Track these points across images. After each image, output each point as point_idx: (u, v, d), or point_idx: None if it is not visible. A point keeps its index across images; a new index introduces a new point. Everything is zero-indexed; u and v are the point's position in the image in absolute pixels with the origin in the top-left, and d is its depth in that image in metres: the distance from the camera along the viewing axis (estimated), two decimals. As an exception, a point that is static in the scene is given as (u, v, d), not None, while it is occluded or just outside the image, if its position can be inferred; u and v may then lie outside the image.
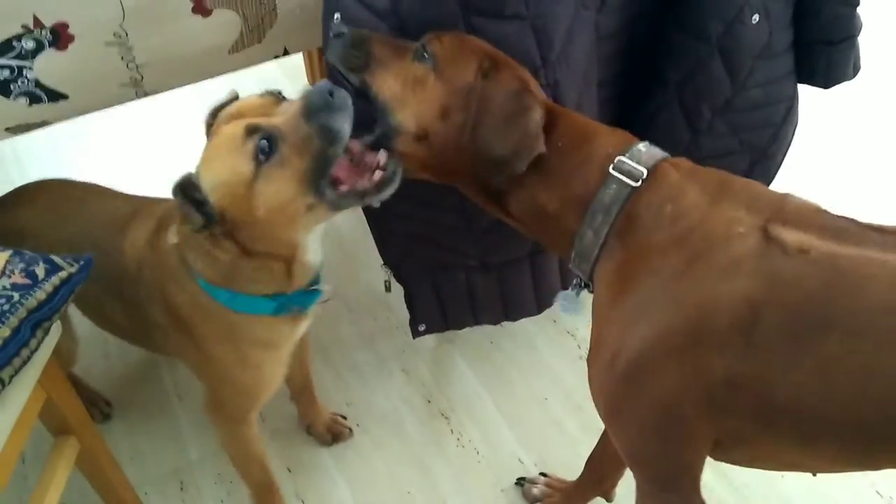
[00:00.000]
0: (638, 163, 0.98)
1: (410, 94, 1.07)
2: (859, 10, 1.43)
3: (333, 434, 1.66)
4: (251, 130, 1.00)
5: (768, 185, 1.64)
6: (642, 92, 1.53)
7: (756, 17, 1.36)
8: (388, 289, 1.54)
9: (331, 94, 1.02)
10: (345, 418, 1.70)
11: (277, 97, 1.10)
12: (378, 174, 1.06)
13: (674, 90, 1.47)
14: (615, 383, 0.97)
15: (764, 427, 0.92)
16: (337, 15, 1.22)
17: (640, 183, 0.97)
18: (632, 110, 1.56)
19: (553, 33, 1.23)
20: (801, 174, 2.19)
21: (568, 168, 1.03)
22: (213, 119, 1.11)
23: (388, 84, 1.08)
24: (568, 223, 1.03)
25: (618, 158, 0.99)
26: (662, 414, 0.95)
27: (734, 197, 0.95)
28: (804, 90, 1.54)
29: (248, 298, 1.15)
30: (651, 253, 0.95)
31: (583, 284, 1.10)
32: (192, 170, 1.04)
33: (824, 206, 0.94)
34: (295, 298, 1.18)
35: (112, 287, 1.28)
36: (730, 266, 0.89)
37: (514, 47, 1.20)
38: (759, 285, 0.87)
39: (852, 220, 0.91)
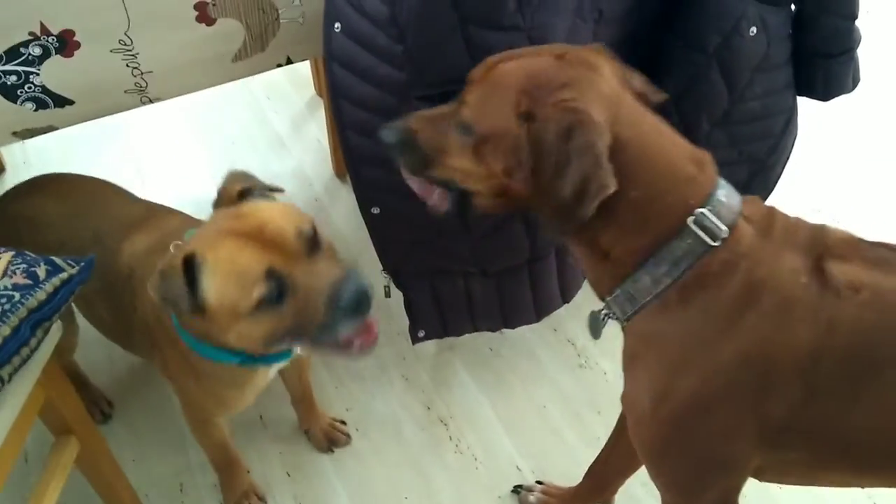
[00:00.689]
0: (719, 217, 0.90)
1: (472, 170, 1.00)
2: (858, 23, 1.44)
3: (330, 440, 1.67)
4: (273, 276, 0.99)
5: (767, 196, 1.64)
6: (641, 103, 1.54)
7: (754, 30, 1.37)
8: (387, 294, 1.56)
9: (360, 302, 1.01)
10: (344, 423, 1.71)
11: (309, 236, 1.04)
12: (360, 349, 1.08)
13: (672, 102, 1.47)
14: (662, 426, 0.97)
15: (816, 460, 0.95)
16: (338, 25, 1.25)
17: (718, 243, 0.90)
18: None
19: (550, 43, 1.24)
20: (800, 186, 2.20)
21: (640, 215, 0.92)
22: (225, 191, 1.11)
23: (449, 173, 1.03)
24: (624, 267, 0.95)
25: (699, 211, 0.90)
26: (712, 453, 0.97)
27: (793, 241, 0.92)
28: (804, 102, 1.55)
29: (211, 349, 1.14)
30: (715, 306, 0.91)
31: (613, 316, 1.04)
32: (198, 253, 1.01)
33: (859, 235, 0.95)
34: (260, 359, 1.19)
35: (104, 284, 1.29)
36: (792, 316, 0.88)
37: (511, 57, 1.23)
38: (819, 332, 0.87)
39: (889, 247, 0.92)
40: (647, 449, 1.02)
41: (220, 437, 1.46)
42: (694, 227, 0.90)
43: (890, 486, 0.99)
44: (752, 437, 0.93)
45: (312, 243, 1.04)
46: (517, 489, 1.56)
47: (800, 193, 2.21)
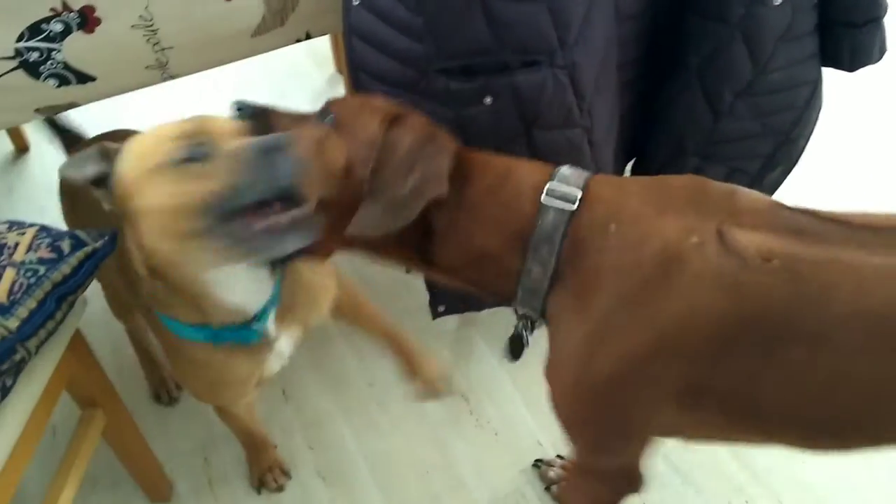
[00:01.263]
0: (567, 185, 0.95)
1: (312, 156, 0.95)
2: (885, -9, 1.41)
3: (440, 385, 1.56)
4: (188, 136, 0.89)
5: (791, 169, 1.63)
6: (663, 75, 1.52)
7: (779, -1, 1.35)
8: (408, 269, 1.56)
9: (267, 153, 0.89)
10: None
11: (245, 121, 0.99)
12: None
13: (694, 73, 1.46)
14: (580, 402, 0.98)
15: (727, 422, 0.95)
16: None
17: (576, 205, 0.93)
18: (652, 93, 1.56)
19: (570, 15, 1.23)
20: (824, 160, 2.17)
21: (501, 205, 0.97)
22: None
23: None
24: (511, 262, 0.97)
25: (547, 185, 0.95)
26: (629, 418, 0.98)
27: (679, 201, 0.92)
28: (828, 73, 1.52)
29: (179, 323, 1.06)
30: (606, 275, 0.91)
31: (531, 325, 1.06)
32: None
33: (777, 201, 0.93)
34: (226, 334, 1.07)
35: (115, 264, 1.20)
36: (691, 282, 0.87)
37: (530, 29, 1.22)
38: (723, 299, 0.86)
39: (812, 214, 0.89)
40: (568, 420, 1.03)
41: (236, 418, 1.47)
42: (548, 200, 0.94)
43: (797, 448, 0.99)
44: (669, 401, 0.92)
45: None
46: (538, 464, 1.57)
47: (822, 167, 2.19)
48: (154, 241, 0.91)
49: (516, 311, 1.04)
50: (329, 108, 1.03)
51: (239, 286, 1.01)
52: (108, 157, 0.92)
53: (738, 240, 0.86)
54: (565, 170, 0.97)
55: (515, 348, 1.13)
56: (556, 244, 0.93)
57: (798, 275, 0.84)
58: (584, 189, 0.94)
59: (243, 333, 1.07)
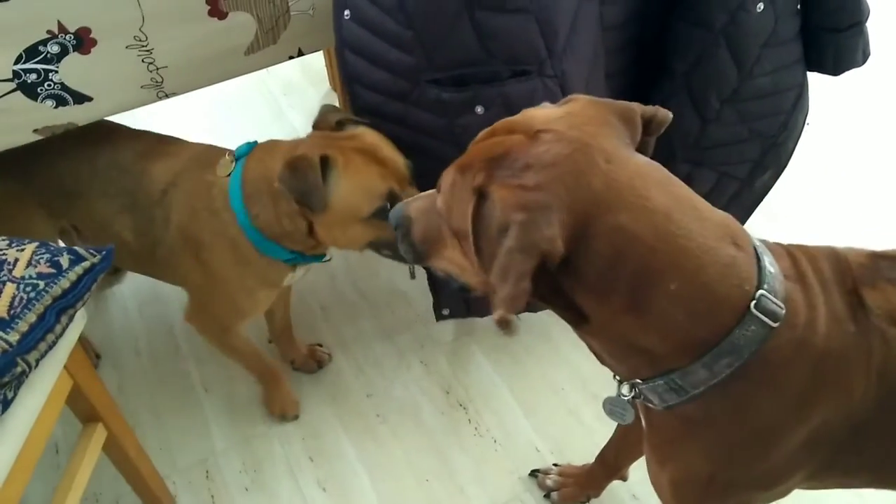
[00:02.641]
0: (775, 294, 0.79)
1: (463, 263, 0.91)
2: (866, -4, 1.44)
3: (316, 360, 1.83)
4: (391, 196, 1.26)
5: (780, 173, 1.65)
6: (651, 83, 1.55)
7: (761, 6, 1.38)
8: (412, 275, 1.58)
9: None
10: (321, 346, 1.86)
11: (411, 166, 1.32)
12: None
13: (681, 80, 1.49)
14: (714, 491, 0.93)
15: (849, 483, 0.97)
16: (347, 12, 1.27)
17: (779, 323, 0.79)
18: (641, 101, 1.58)
19: (558, 25, 1.26)
20: (812, 163, 2.20)
21: (688, 310, 0.79)
22: (323, 118, 1.35)
23: (445, 266, 0.96)
24: (672, 362, 0.83)
25: (760, 294, 0.78)
26: (757, 498, 0.96)
27: (827, 280, 0.85)
28: (815, 81, 1.55)
29: (274, 246, 1.37)
30: (787, 387, 0.83)
31: (640, 399, 0.93)
32: (331, 157, 1.25)
33: (870, 250, 0.90)
34: (308, 258, 1.43)
35: (128, 204, 1.43)
36: (850, 375, 0.82)
37: (519, 39, 1.24)
38: (870, 380, 0.83)
39: None
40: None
41: (245, 343, 1.61)
42: (757, 313, 0.78)
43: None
44: (797, 479, 0.92)
45: (412, 172, 1.31)
46: (534, 473, 1.58)
47: (810, 172, 2.21)
48: (340, 245, 1.36)
49: (628, 385, 0.92)
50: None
51: None
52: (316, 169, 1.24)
53: (872, 309, 0.82)
54: (769, 265, 0.81)
55: (625, 410, 1.05)
56: (743, 358, 0.80)
57: None
58: (787, 300, 0.81)
59: (316, 258, 1.45)
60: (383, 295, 1.99)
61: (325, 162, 1.24)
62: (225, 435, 1.70)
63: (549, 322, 1.87)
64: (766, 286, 0.79)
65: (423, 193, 1.01)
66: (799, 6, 1.45)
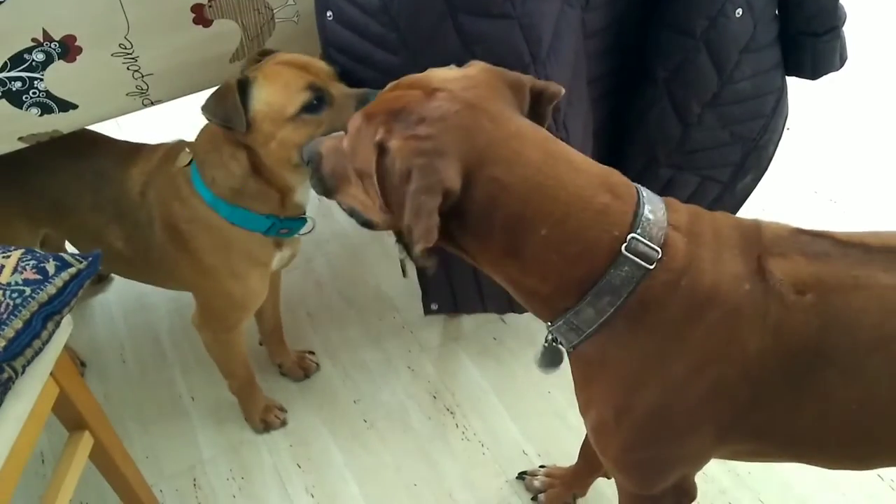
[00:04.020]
0: (650, 239, 0.86)
1: (365, 201, 0.98)
2: (843, 1, 1.46)
3: (303, 368, 1.84)
4: (313, 87, 1.24)
5: (761, 176, 1.67)
6: (633, 89, 1.56)
7: (739, 11, 1.40)
8: (404, 273, 1.59)
9: None
10: (312, 353, 1.86)
11: (336, 71, 1.31)
12: None
13: (662, 86, 1.50)
14: (623, 436, 0.98)
15: (762, 450, 0.99)
16: (329, 13, 1.28)
17: (654, 265, 0.87)
18: (623, 106, 1.60)
19: (541, 31, 1.27)
20: (792, 165, 2.22)
21: (563, 254, 0.88)
22: (261, 57, 1.33)
23: (350, 201, 1.03)
24: (561, 301, 0.91)
25: (631, 237, 0.86)
26: (671, 453, 0.99)
27: (727, 243, 0.91)
28: (793, 82, 1.57)
29: (247, 214, 1.37)
30: (662, 327, 0.89)
31: (558, 343, 1.02)
32: (249, 76, 1.26)
33: (796, 226, 0.94)
34: (285, 223, 1.41)
35: (117, 214, 1.44)
36: (740, 327, 0.87)
37: (502, 44, 1.25)
38: (765, 338, 0.87)
39: (830, 238, 0.90)
40: (610, 456, 1.03)
41: (242, 349, 1.61)
42: (628, 255, 0.86)
43: (823, 467, 1.01)
44: (707, 436, 0.95)
45: (339, 74, 1.31)
46: (522, 475, 1.59)
47: (796, 174, 2.24)
48: (279, 156, 1.28)
49: (549, 332, 1.00)
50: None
51: (305, 190, 1.39)
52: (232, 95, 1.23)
53: (775, 275, 0.87)
54: (648, 212, 0.88)
55: (554, 357, 1.12)
56: (620, 297, 0.87)
57: (829, 305, 0.85)
58: (665, 244, 0.88)
59: (296, 223, 1.43)
60: (370, 301, 2.00)
61: (245, 84, 1.25)
62: (212, 442, 1.70)
63: (534, 327, 1.88)
64: (638, 230, 0.87)
65: (334, 134, 1.09)
66: (777, 11, 1.47)
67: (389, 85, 0.99)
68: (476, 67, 0.97)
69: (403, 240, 0.88)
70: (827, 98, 2.47)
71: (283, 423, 1.73)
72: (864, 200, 2.18)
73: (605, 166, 0.92)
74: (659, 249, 0.87)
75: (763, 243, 0.90)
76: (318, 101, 1.24)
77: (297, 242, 1.55)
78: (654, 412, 0.93)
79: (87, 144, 1.50)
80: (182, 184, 1.38)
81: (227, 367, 1.64)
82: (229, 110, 1.24)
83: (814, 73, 1.53)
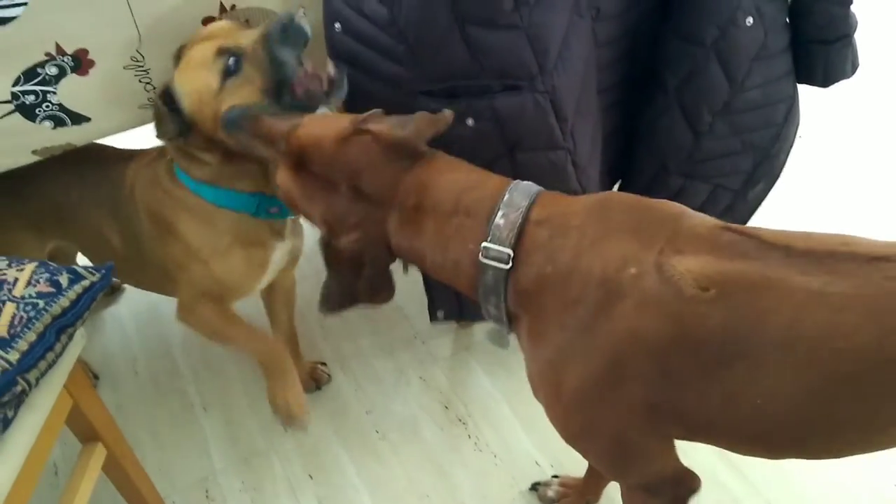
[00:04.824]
0: (500, 243, 0.98)
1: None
2: (854, 8, 1.46)
3: (314, 379, 1.82)
4: (221, 51, 1.22)
5: (773, 184, 1.66)
6: (643, 98, 1.56)
7: (750, 20, 1.40)
8: (405, 270, 1.59)
9: (287, 28, 1.20)
10: (325, 364, 1.85)
11: (242, 22, 1.29)
12: (327, 81, 1.26)
13: (673, 95, 1.50)
14: (563, 415, 1.04)
15: (693, 435, 1.00)
16: (337, 25, 1.28)
17: (510, 264, 0.98)
18: (634, 116, 1.60)
19: (549, 41, 1.27)
20: (804, 174, 2.21)
21: (449, 270, 1.05)
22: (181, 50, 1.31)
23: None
24: (472, 293, 1.05)
25: (483, 246, 0.99)
26: (613, 440, 1.01)
27: (619, 226, 0.96)
28: (805, 89, 1.56)
29: (232, 194, 1.36)
30: (554, 313, 0.96)
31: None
32: (168, 83, 1.26)
33: (722, 223, 0.95)
34: (273, 200, 1.37)
35: (114, 210, 1.46)
36: (631, 312, 0.90)
37: (510, 55, 1.26)
38: (663, 326, 0.89)
39: (756, 237, 0.91)
40: (563, 436, 1.07)
41: (239, 322, 1.48)
42: (486, 261, 0.99)
43: (755, 455, 1.02)
44: (637, 420, 0.96)
45: (245, 23, 1.28)
46: (535, 486, 1.58)
47: (807, 182, 2.23)
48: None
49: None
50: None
51: None
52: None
53: (676, 268, 0.89)
54: (499, 219, 0.99)
55: (500, 338, 1.19)
56: (500, 295, 1.00)
57: (734, 302, 0.87)
58: (520, 236, 0.98)
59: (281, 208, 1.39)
60: (381, 312, 2.00)
61: (168, 91, 1.26)
62: (224, 454, 1.70)
63: (546, 336, 1.88)
64: (489, 239, 0.98)
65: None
66: (788, 20, 1.47)
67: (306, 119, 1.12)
68: (365, 141, 1.06)
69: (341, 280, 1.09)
70: (839, 106, 2.46)
71: (301, 426, 1.59)
72: (877, 208, 2.16)
73: (468, 183, 1.04)
74: (509, 250, 0.97)
75: (671, 236, 0.93)
76: (234, 62, 1.22)
77: (299, 236, 1.53)
78: (574, 392, 0.97)
79: (87, 151, 1.51)
80: (164, 173, 1.40)
81: (234, 339, 1.51)
82: (162, 120, 1.25)
83: (825, 81, 1.53)
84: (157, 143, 1.40)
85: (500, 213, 0.99)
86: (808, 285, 0.86)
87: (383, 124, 1.06)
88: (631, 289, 0.90)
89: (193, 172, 1.35)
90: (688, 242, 0.92)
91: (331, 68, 1.27)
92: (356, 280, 1.07)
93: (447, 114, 1.09)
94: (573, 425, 1.04)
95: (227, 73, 1.22)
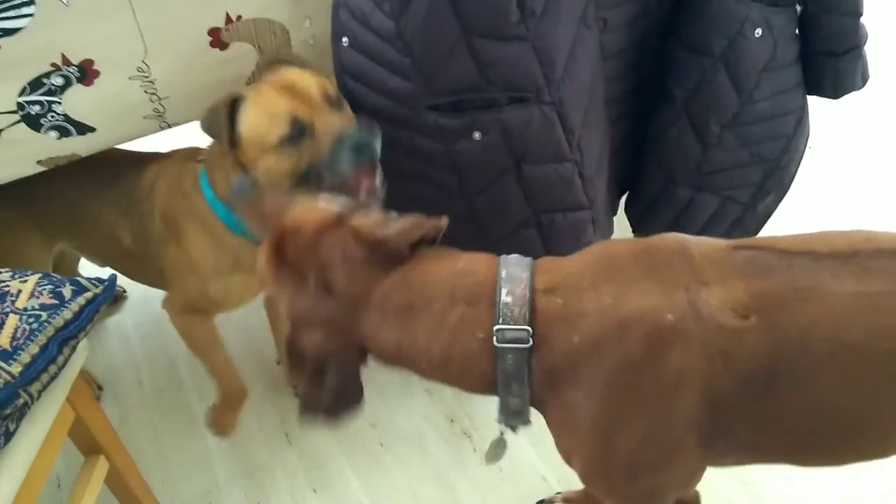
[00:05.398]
0: (514, 321, 0.88)
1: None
2: (864, 20, 1.45)
3: None
4: (294, 121, 1.24)
5: (782, 196, 1.65)
6: (651, 109, 1.56)
7: (759, 32, 1.39)
8: None
9: (361, 146, 1.23)
10: None
11: (331, 94, 1.29)
12: (367, 192, 1.26)
13: (681, 106, 1.50)
14: (618, 479, 0.98)
15: (738, 459, 0.99)
16: (345, 39, 1.28)
17: (531, 342, 0.88)
18: (642, 127, 1.59)
19: (555, 53, 1.27)
20: (814, 185, 2.20)
21: (455, 362, 0.93)
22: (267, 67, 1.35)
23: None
24: (490, 389, 0.95)
25: (496, 329, 0.89)
26: (659, 482, 0.98)
27: (634, 275, 0.90)
28: (815, 100, 1.55)
29: (241, 220, 1.32)
30: (594, 381, 0.89)
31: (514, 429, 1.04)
32: (242, 95, 1.28)
33: (729, 242, 0.92)
34: None
35: (128, 206, 1.47)
36: (678, 358, 0.86)
37: (516, 67, 1.25)
38: (711, 365, 0.86)
39: (771, 248, 0.89)
40: (608, 496, 1.05)
41: (213, 341, 1.56)
42: (504, 345, 0.89)
43: (814, 465, 1.01)
44: (689, 458, 0.94)
45: (333, 100, 1.28)
46: (541, 503, 1.56)
47: (818, 194, 2.21)
48: (273, 180, 1.27)
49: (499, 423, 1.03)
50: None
51: None
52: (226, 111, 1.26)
53: (710, 303, 0.86)
54: (505, 297, 0.90)
55: (498, 453, 1.15)
56: (524, 380, 0.91)
57: (776, 323, 0.84)
58: (533, 312, 0.89)
59: None
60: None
61: (236, 102, 1.27)
62: (228, 467, 1.69)
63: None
64: (500, 321, 0.88)
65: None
66: (797, 31, 1.46)
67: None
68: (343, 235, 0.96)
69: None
70: (849, 117, 2.45)
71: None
72: (888, 219, 2.15)
73: (457, 270, 0.94)
74: (527, 327, 0.88)
75: (691, 271, 0.88)
76: (297, 134, 1.24)
77: None
78: (628, 456, 0.93)
79: (101, 153, 1.51)
80: (188, 176, 1.41)
81: (208, 361, 1.57)
82: (216, 125, 1.27)
83: (835, 92, 1.52)
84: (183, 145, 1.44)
85: (504, 291, 0.90)
86: (842, 289, 0.84)
87: (367, 220, 0.96)
88: (674, 336, 0.85)
89: (216, 186, 1.36)
90: (708, 272, 0.88)
91: (377, 180, 1.28)
92: (318, 388, 0.96)
93: (442, 221, 0.98)
94: (628, 487, 0.99)
95: (285, 141, 1.24)
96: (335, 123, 1.25)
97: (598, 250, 0.97)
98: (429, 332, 0.92)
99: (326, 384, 0.94)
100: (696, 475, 1.00)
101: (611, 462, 0.95)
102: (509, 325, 0.88)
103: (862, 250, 0.86)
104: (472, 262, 0.96)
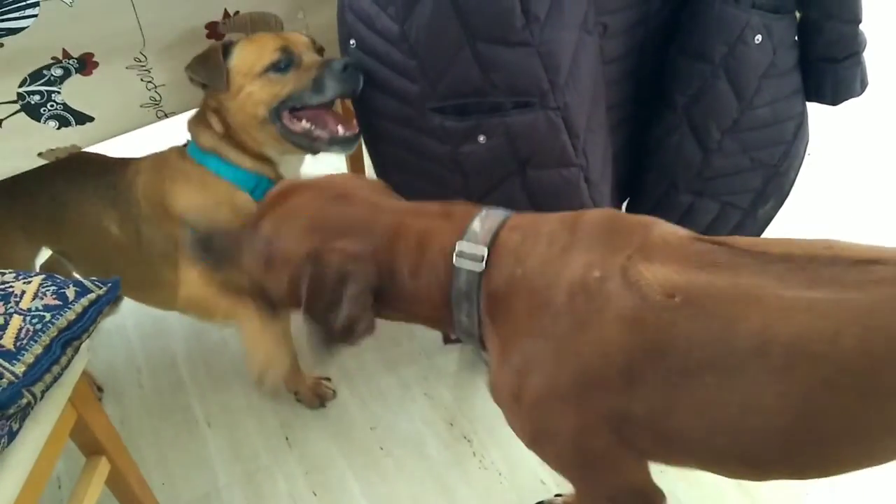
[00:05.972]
0: (476, 243, 0.99)
1: (261, 275, 1.09)
2: (863, 27, 1.46)
3: (319, 396, 1.80)
4: (283, 49, 1.34)
5: (782, 202, 1.65)
6: (652, 115, 1.56)
7: (759, 38, 1.40)
8: None
9: (347, 68, 1.30)
10: (329, 380, 1.84)
11: (317, 46, 1.41)
12: (335, 133, 1.37)
13: (682, 112, 1.50)
14: (524, 420, 1.03)
15: (667, 451, 0.98)
16: (353, 41, 1.29)
17: (484, 263, 0.98)
18: (642, 133, 1.60)
19: (560, 58, 1.27)
20: (813, 191, 2.21)
21: (424, 284, 1.02)
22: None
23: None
24: (444, 315, 1.04)
25: (456, 245, 0.99)
26: (575, 448, 1.00)
27: (588, 237, 0.96)
28: (814, 106, 1.56)
29: (234, 168, 1.43)
30: (521, 317, 0.96)
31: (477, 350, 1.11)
32: (233, 41, 1.36)
33: (695, 234, 0.95)
34: (264, 182, 1.44)
35: (112, 199, 1.49)
36: (594, 316, 0.90)
37: (521, 72, 1.25)
38: (626, 332, 0.88)
39: (729, 246, 0.90)
40: (519, 434, 1.08)
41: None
42: (459, 261, 0.99)
43: (745, 478, 1.01)
44: (603, 431, 0.95)
45: (320, 50, 1.39)
46: (538, 506, 1.57)
47: (817, 200, 2.22)
48: (245, 110, 1.36)
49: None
50: (257, 231, 1.07)
51: (292, 170, 1.50)
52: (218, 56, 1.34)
53: (643, 275, 0.89)
54: (476, 223, 1.00)
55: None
56: (473, 300, 0.99)
57: (702, 309, 0.86)
58: (494, 241, 0.99)
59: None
60: (387, 327, 1.97)
61: (228, 47, 1.35)
62: (228, 469, 1.69)
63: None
64: (465, 238, 0.99)
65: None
66: (797, 38, 1.47)
67: (279, 190, 1.10)
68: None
69: (321, 324, 1.01)
70: (849, 124, 2.46)
71: (334, 395, 1.81)
72: (887, 226, 2.16)
73: (453, 202, 1.06)
74: (484, 248, 0.98)
75: (641, 245, 0.93)
76: (286, 63, 1.33)
77: None
78: (537, 398, 0.97)
79: (84, 154, 1.53)
80: (173, 155, 1.47)
81: (243, 316, 1.45)
82: (211, 70, 1.33)
83: (834, 98, 1.53)
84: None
85: (477, 221, 1.01)
86: (783, 291, 0.84)
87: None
88: (594, 293, 0.90)
89: (201, 139, 1.42)
90: (657, 251, 0.92)
91: (350, 129, 1.38)
92: (334, 315, 1.01)
93: None
94: (533, 430, 1.04)
95: (273, 67, 1.33)
96: (320, 59, 1.36)
97: (577, 212, 1.02)
98: (412, 253, 1.02)
99: (342, 311, 0.99)
100: (619, 450, 0.99)
101: (522, 402, 0.99)
102: (469, 243, 0.99)
103: (819, 257, 0.86)
104: (469, 204, 1.06)
